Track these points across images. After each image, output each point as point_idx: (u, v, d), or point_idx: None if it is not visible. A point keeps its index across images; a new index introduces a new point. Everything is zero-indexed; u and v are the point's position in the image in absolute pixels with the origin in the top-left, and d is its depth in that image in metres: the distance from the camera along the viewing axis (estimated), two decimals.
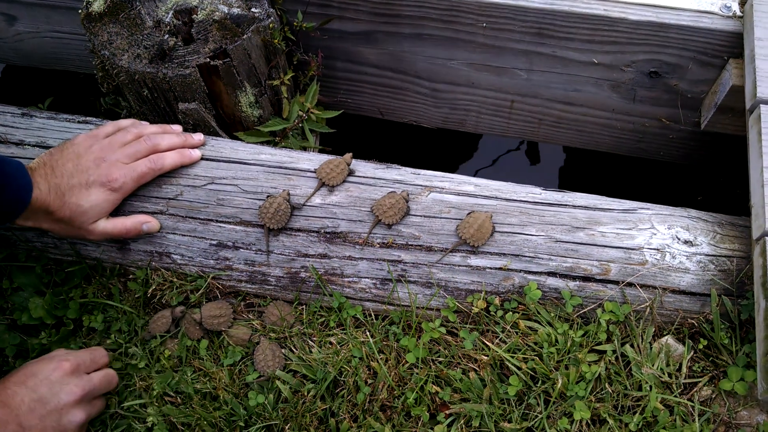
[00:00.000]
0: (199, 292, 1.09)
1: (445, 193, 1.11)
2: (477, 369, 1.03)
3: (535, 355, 1.02)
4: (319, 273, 1.08)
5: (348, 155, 1.13)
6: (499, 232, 1.07)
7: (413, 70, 1.49)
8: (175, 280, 1.10)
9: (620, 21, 1.26)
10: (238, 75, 1.25)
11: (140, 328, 1.09)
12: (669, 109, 1.44)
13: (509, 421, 0.99)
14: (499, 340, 1.05)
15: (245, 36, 1.22)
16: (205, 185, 1.11)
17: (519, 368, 1.01)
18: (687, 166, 1.58)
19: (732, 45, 1.26)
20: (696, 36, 1.27)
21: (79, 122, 1.21)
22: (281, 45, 1.31)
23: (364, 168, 1.15)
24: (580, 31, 1.30)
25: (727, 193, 1.53)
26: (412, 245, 1.07)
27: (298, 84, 1.46)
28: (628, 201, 1.13)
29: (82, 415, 0.96)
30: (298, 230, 1.09)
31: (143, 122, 1.16)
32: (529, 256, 1.06)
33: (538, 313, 1.06)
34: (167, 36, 1.22)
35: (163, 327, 1.08)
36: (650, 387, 0.99)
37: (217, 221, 1.09)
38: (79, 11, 1.25)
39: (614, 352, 1.03)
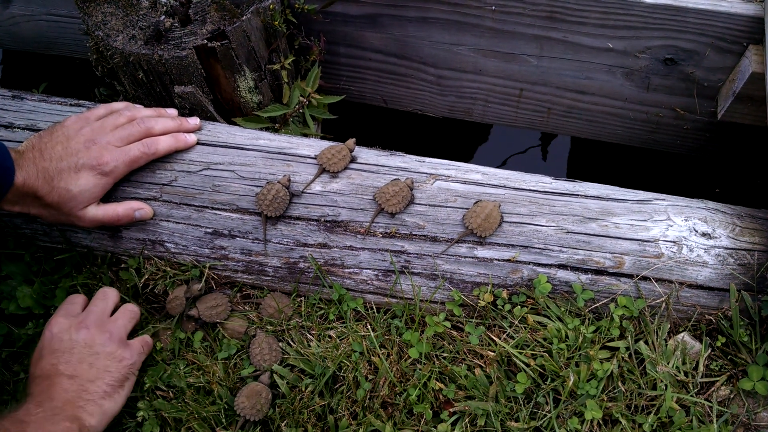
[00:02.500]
0: (200, 285, 1.04)
1: (451, 181, 1.06)
2: (483, 365, 0.99)
3: (544, 352, 0.98)
4: (319, 263, 1.04)
5: (351, 141, 1.08)
6: (508, 222, 1.02)
7: (418, 56, 1.44)
8: (169, 269, 1.06)
9: (636, 4, 1.21)
10: (236, 58, 1.21)
11: None
12: (684, 99, 1.38)
13: (516, 420, 0.94)
14: (507, 335, 1.00)
15: (244, 17, 1.17)
16: (200, 171, 1.06)
17: (527, 365, 0.97)
18: (701, 158, 1.53)
19: (752, 30, 1.21)
20: (714, 20, 1.22)
21: (71, 105, 1.16)
22: (282, 28, 1.26)
23: (366, 155, 1.10)
24: (593, 14, 1.25)
25: (745, 186, 1.48)
26: (416, 235, 1.02)
27: (300, 69, 1.41)
28: (642, 191, 1.09)
29: (128, 351, 0.97)
30: (297, 218, 1.04)
31: (137, 105, 1.12)
32: (538, 248, 1.01)
33: (548, 307, 1.01)
34: (163, 17, 1.17)
35: (177, 308, 1.04)
36: (665, 386, 0.95)
37: (212, 208, 1.05)
38: None
39: (627, 349, 0.98)
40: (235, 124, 1.28)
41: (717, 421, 0.93)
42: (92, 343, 0.94)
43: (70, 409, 0.87)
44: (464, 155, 1.88)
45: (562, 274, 1.01)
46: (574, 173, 1.86)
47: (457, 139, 1.89)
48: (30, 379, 0.92)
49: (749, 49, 1.22)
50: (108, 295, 1.02)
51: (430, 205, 1.03)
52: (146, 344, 1.00)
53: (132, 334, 1.01)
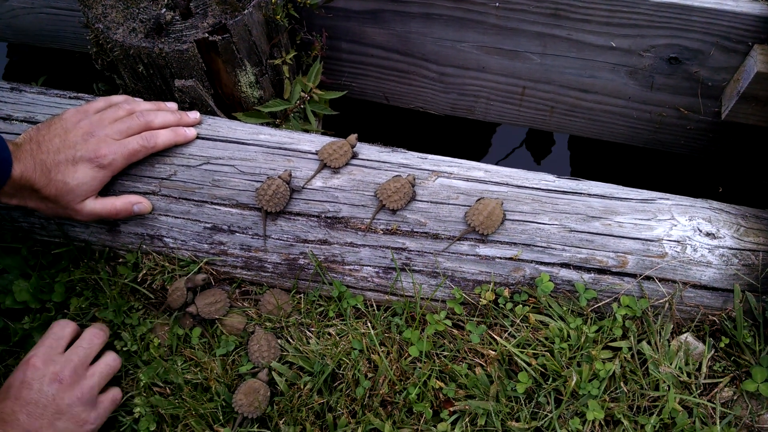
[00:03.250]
0: (203, 276, 1.03)
1: (453, 178, 1.05)
2: (484, 364, 0.97)
3: (545, 351, 0.97)
4: (319, 260, 1.03)
5: (352, 136, 1.07)
6: (510, 220, 1.01)
7: (421, 53, 1.43)
8: (167, 264, 1.05)
9: (641, 2, 1.20)
10: (237, 52, 1.19)
11: (128, 312, 1.04)
12: (688, 98, 1.37)
13: (517, 420, 0.93)
14: (508, 334, 0.99)
15: (246, 11, 1.16)
16: (200, 165, 1.05)
17: (528, 364, 0.95)
18: (704, 158, 1.52)
19: (758, 29, 1.20)
20: (720, 19, 1.21)
21: (70, 98, 1.15)
22: (284, 22, 1.25)
23: (368, 151, 1.09)
24: (598, 12, 1.24)
25: (749, 186, 1.47)
26: (417, 232, 1.01)
27: (301, 65, 1.40)
28: (646, 191, 1.07)
29: (94, 412, 0.93)
30: (298, 214, 1.03)
31: (136, 98, 1.11)
32: (541, 246, 1.00)
33: (550, 306, 1.00)
34: (164, 10, 1.16)
35: (179, 300, 1.02)
36: (668, 387, 0.94)
37: (212, 203, 1.04)
38: None
39: (630, 349, 0.97)
40: (235, 118, 1.27)
41: (720, 422, 0.92)
42: (60, 402, 0.89)
43: None
44: (466, 154, 1.87)
45: (565, 273, 1.00)
46: (576, 173, 1.85)
47: (459, 137, 1.88)
48: None
49: (754, 48, 1.21)
50: (95, 337, 0.98)
51: (431, 202, 1.02)
52: (115, 401, 0.97)
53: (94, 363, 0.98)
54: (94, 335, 0.98)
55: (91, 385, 0.93)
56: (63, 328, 0.97)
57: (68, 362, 0.93)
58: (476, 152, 1.88)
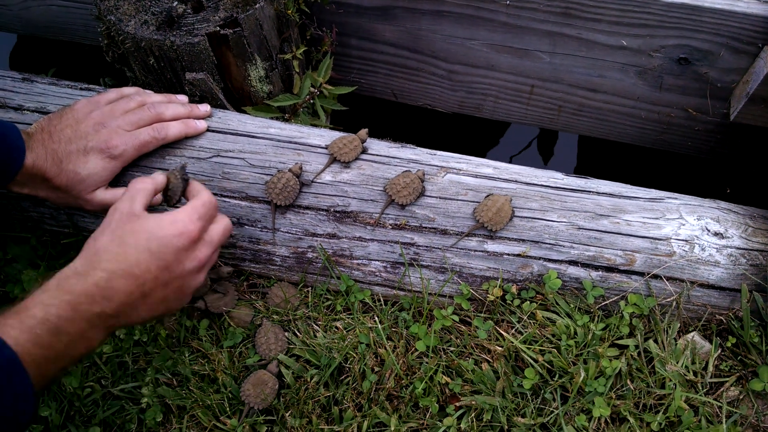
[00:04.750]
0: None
1: (462, 174, 1.06)
2: (490, 360, 0.98)
3: (552, 348, 0.97)
4: (327, 254, 1.03)
5: (363, 131, 1.07)
6: (519, 216, 1.01)
7: (430, 50, 1.43)
8: None
9: (652, 2, 1.20)
10: (248, 46, 1.20)
11: None
12: (697, 99, 1.37)
13: (523, 416, 0.93)
14: (515, 330, 0.99)
15: (257, 5, 1.16)
16: (210, 158, 1.05)
17: (535, 360, 0.96)
18: (712, 160, 1.52)
19: None
20: (730, 20, 1.20)
21: (81, 89, 1.16)
22: (295, 17, 1.25)
23: (377, 146, 1.09)
24: (609, 11, 1.24)
25: (757, 188, 1.47)
26: (426, 228, 1.02)
27: (311, 61, 1.41)
28: (655, 190, 1.08)
29: (203, 275, 0.87)
30: (307, 208, 1.03)
31: (147, 90, 1.11)
32: (549, 243, 1.00)
33: (557, 303, 1.00)
34: (176, 2, 1.16)
35: (202, 290, 1.02)
36: (674, 385, 0.94)
37: (221, 195, 1.04)
38: None
39: (637, 347, 0.97)
40: (244, 112, 1.27)
41: (726, 421, 0.92)
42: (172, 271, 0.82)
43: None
44: (474, 152, 1.87)
45: (573, 270, 1.00)
46: (584, 173, 1.85)
47: (467, 136, 1.88)
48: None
49: (764, 50, 1.21)
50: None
51: (440, 198, 1.03)
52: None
53: None
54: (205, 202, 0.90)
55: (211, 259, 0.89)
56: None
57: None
58: (484, 151, 1.88)
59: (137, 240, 0.80)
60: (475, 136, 1.88)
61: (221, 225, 0.89)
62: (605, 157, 1.83)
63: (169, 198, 0.90)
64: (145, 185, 0.86)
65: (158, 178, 0.89)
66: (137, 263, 0.79)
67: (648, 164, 1.74)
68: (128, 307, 0.79)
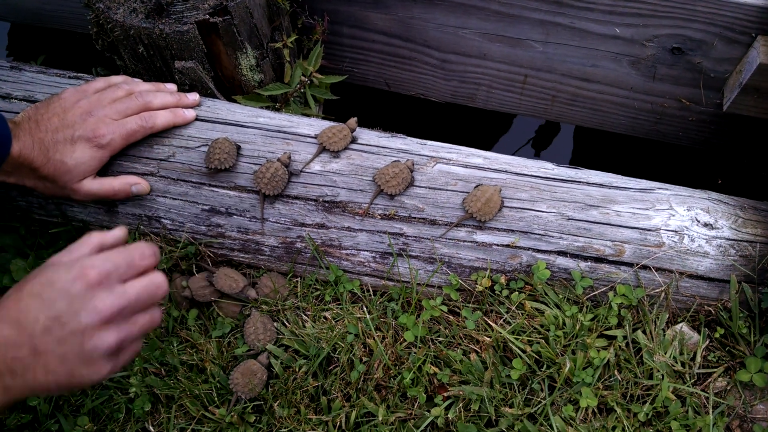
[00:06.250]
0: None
1: (452, 164, 1.05)
2: (478, 350, 0.98)
3: (540, 338, 0.97)
4: (316, 244, 1.03)
5: (352, 120, 1.07)
6: (508, 207, 1.01)
7: (423, 39, 1.42)
8: (164, 245, 1.05)
9: None
10: (238, 35, 1.19)
11: None
12: (690, 89, 1.37)
13: (510, 406, 0.93)
14: (503, 321, 0.99)
15: None
16: (198, 147, 1.05)
17: (523, 351, 0.96)
18: (705, 150, 1.51)
19: (761, 21, 1.19)
20: (724, 10, 1.20)
21: (70, 78, 1.15)
22: (285, 5, 1.24)
23: (367, 136, 1.09)
24: (601, 0, 1.23)
25: (748, 178, 1.46)
26: (415, 218, 1.01)
27: (302, 49, 1.40)
28: (645, 180, 1.07)
29: (111, 338, 0.70)
30: (296, 198, 1.03)
31: (136, 79, 1.10)
32: (538, 234, 1.00)
33: (546, 294, 1.00)
34: None
35: (207, 296, 1.03)
36: (662, 376, 0.94)
37: (210, 185, 1.03)
38: None
39: (625, 338, 0.97)
40: (235, 102, 1.27)
41: (713, 412, 0.93)
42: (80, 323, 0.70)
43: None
44: (467, 143, 1.86)
45: (562, 261, 1.00)
46: (577, 163, 1.84)
47: (460, 126, 1.87)
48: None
49: (758, 39, 1.20)
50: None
51: (430, 188, 1.02)
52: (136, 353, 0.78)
53: None
54: (133, 250, 0.77)
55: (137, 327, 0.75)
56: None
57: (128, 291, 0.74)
58: (481, 143, 1.87)
59: (32, 286, 0.70)
60: (471, 127, 1.87)
61: (146, 280, 0.74)
62: (600, 149, 1.82)
63: None
64: (91, 239, 0.76)
65: (107, 237, 0.77)
66: (26, 310, 0.68)
67: (642, 155, 1.74)
68: (19, 364, 0.67)
